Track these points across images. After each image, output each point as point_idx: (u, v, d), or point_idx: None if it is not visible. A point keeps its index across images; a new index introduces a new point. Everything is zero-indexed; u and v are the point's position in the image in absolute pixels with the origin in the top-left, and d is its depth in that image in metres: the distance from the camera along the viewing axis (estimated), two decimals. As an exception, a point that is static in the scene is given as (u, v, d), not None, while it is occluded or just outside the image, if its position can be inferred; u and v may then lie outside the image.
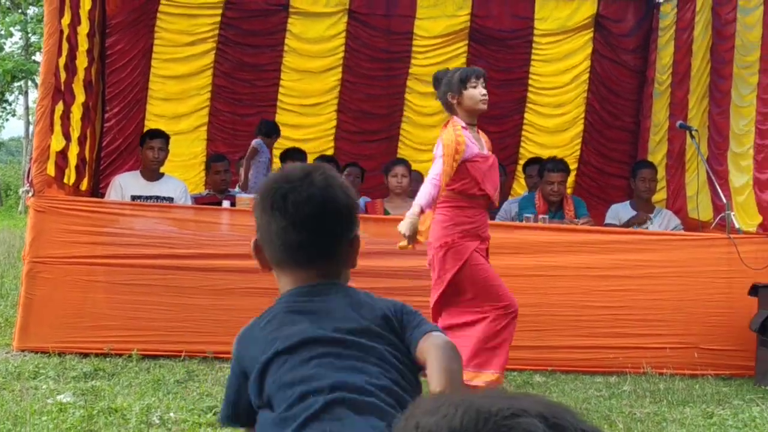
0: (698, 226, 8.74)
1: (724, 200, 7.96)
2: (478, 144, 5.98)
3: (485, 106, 5.97)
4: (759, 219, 8.28)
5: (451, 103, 6.02)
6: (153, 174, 8.64)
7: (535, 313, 7.40)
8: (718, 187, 8.23)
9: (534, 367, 7.34)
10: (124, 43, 10.52)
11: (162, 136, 8.72)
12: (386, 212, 8.67)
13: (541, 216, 8.27)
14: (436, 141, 6.07)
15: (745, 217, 8.20)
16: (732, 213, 7.78)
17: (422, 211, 5.81)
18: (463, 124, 5.96)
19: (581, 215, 8.61)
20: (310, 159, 9.06)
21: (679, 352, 7.45)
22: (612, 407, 6.09)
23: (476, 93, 5.88)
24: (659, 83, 10.79)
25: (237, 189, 9.82)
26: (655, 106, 10.87)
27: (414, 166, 9.76)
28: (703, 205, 9.00)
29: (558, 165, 8.80)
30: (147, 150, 8.62)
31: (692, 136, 8.55)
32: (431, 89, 11.23)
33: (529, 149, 11.35)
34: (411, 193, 9.14)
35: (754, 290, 7.32)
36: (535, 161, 10.10)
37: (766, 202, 8.25)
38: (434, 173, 5.87)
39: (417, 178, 9.87)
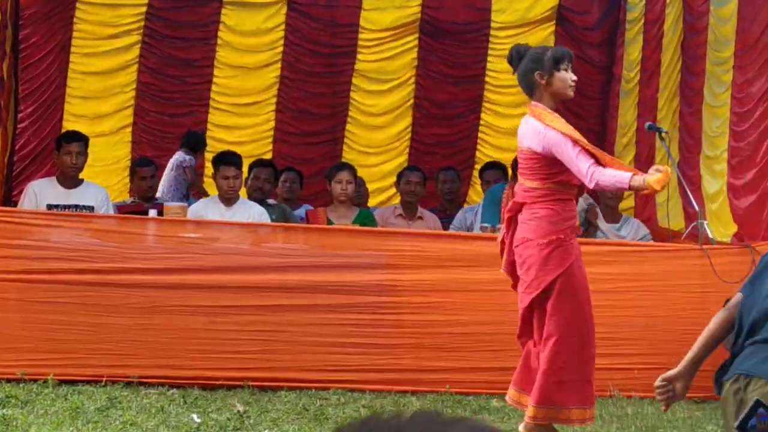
0: (669, 236, 8.82)
1: (697, 208, 8.00)
2: None
3: (573, 94, 5.95)
4: (734, 228, 8.37)
5: (538, 83, 5.92)
6: (71, 180, 8.56)
7: (492, 332, 7.41)
8: (689, 193, 8.28)
9: (491, 390, 7.34)
10: (39, 35, 10.41)
11: (80, 139, 8.64)
12: (329, 222, 8.66)
13: (500, 226, 8.27)
14: (522, 133, 5.97)
15: (719, 225, 8.28)
16: (705, 222, 7.84)
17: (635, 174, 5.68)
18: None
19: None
20: (245, 164, 9.04)
21: (648, 373, 7.45)
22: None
23: (568, 77, 5.84)
24: (626, 81, 10.88)
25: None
26: (622, 106, 10.96)
27: (360, 172, 9.77)
28: (673, 214, 9.07)
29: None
30: (64, 155, 8.52)
31: (662, 138, 8.58)
32: (378, 87, 11.40)
33: (486, 153, 11.38)
34: (356, 200, 9.16)
35: (729, 305, 7.38)
36: (492, 166, 10.12)
37: (741, 210, 8.35)
38: (588, 162, 5.68)
39: (362, 184, 9.89)
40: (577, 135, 5.68)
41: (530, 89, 5.92)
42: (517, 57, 5.94)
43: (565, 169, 5.70)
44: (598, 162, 5.61)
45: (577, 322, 5.73)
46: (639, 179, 5.48)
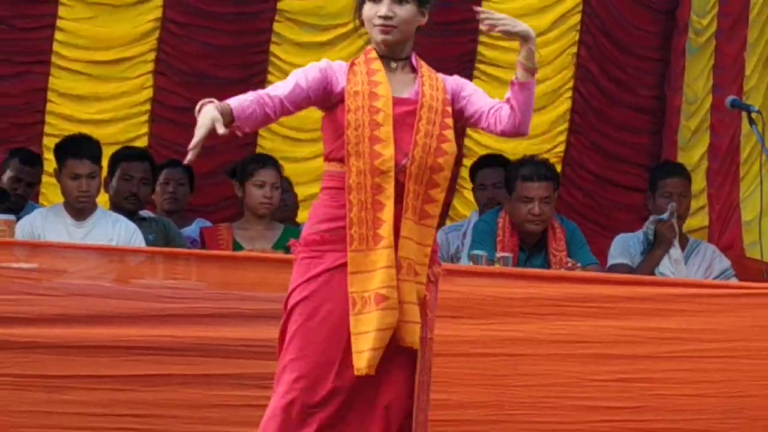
0: (762, 271, 8.87)
1: (804, 230, 8.06)
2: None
3: (385, 37, 5.91)
4: None
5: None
6: None
7: (490, 419, 7.42)
8: (793, 206, 8.34)
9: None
10: None
11: None
12: (237, 246, 8.65)
13: (500, 255, 8.30)
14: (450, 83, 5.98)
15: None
16: (815, 252, 7.90)
17: None
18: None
19: (584, 262, 8.61)
20: (107, 152, 9.00)
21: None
22: None
23: (372, 12, 5.85)
24: (696, 32, 10.94)
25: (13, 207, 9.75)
26: (691, 71, 11.02)
27: (287, 168, 9.73)
28: (768, 238, 9.13)
29: (541, 170, 8.77)
30: None
31: (752, 122, 8.66)
32: (314, 37, 11.44)
33: (479, 140, 11.43)
34: (280, 213, 9.14)
35: None
36: (491, 162, 10.12)
37: None
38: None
39: (289, 189, 9.85)
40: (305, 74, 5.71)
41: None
42: None
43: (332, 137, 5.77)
44: None
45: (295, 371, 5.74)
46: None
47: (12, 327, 7.21)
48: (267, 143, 11.12)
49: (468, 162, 11.01)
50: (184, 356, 7.31)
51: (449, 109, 5.70)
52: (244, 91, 11.29)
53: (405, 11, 5.70)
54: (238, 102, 5.56)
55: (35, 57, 11.10)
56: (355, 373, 5.41)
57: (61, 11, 11.05)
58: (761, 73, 9.95)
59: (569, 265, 8.44)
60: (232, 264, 7.91)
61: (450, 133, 5.65)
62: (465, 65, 11.50)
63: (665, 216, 9.01)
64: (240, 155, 10.02)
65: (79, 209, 8.47)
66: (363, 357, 5.39)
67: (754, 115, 8.56)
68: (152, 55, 11.20)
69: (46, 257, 7.66)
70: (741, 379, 7.58)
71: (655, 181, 9.44)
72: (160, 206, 9.58)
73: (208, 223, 9.42)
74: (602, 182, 11.63)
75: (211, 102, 5.50)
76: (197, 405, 7.28)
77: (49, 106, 11.05)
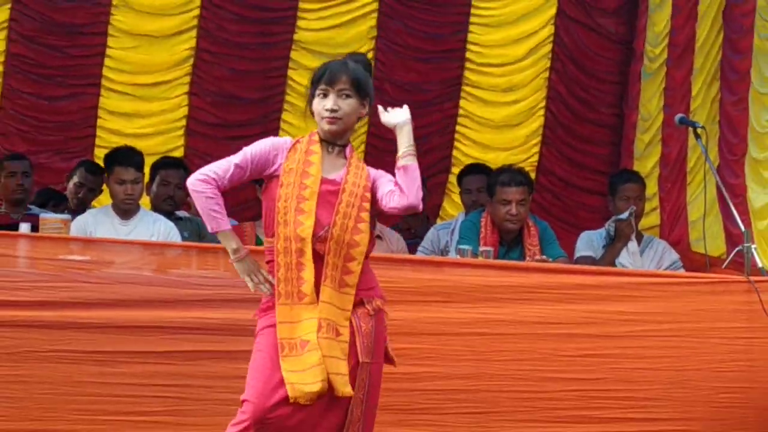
0: (705, 264, 8.85)
1: (742, 227, 8.04)
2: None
3: (331, 127, 5.90)
4: (789, 254, 8.42)
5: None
6: None
7: (473, 389, 7.40)
8: (733, 208, 8.30)
9: (469, 465, 7.37)
10: None
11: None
12: (258, 242, 8.64)
13: (483, 249, 8.29)
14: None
15: (764, 250, 8.32)
16: (753, 246, 7.87)
17: None
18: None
19: (554, 255, 8.61)
20: (149, 161, 9.00)
21: (678, 444, 7.53)
22: None
23: (320, 106, 5.86)
24: (650, 59, 10.93)
25: (73, 208, 9.71)
26: (645, 93, 11.01)
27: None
28: (711, 235, 9.10)
29: (517, 177, 8.76)
30: None
31: (697, 136, 8.64)
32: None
33: (466, 152, 11.42)
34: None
35: (784, 356, 7.42)
36: (475, 170, 10.11)
37: (799, 231, 8.40)
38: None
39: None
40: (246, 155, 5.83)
41: None
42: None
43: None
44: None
45: None
46: (226, 240, 5.92)
47: (68, 310, 7.20)
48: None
49: (456, 170, 11.02)
50: (214, 335, 7.30)
51: (368, 195, 5.77)
52: (265, 108, 11.38)
53: (348, 105, 5.78)
54: (222, 214, 5.80)
55: (88, 80, 11.09)
56: (290, 400, 5.51)
57: (110, 41, 11.06)
58: (705, 94, 9.94)
59: (541, 258, 8.46)
60: (255, 257, 7.90)
61: (366, 216, 5.74)
62: (453, 87, 11.51)
63: (624, 216, 9.02)
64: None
65: (125, 210, 8.47)
66: (292, 387, 5.50)
67: (699, 130, 8.55)
68: (187, 79, 11.20)
69: (97, 251, 7.65)
70: (686, 355, 7.56)
71: (614, 186, 9.44)
72: (193, 207, 9.56)
73: (235, 222, 9.39)
74: (570, 187, 11.62)
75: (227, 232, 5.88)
76: (224, 377, 7.26)
77: (99, 122, 11.05)
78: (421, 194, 5.76)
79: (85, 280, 7.34)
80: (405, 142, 5.85)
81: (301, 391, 5.50)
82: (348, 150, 5.90)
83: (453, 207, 11.11)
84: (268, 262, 5.78)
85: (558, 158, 11.59)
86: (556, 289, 7.60)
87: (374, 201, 5.81)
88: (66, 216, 8.31)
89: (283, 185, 5.66)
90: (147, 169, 8.96)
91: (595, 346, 7.52)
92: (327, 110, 5.75)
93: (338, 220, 5.64)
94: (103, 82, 11.09)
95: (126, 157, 8.60)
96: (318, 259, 5.61)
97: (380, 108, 5.98)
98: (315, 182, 5.68)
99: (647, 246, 9.25)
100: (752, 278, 7.60)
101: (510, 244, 8.67)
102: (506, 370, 7.47)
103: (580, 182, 11.57)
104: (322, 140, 5.83)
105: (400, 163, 5.78)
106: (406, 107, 5.95)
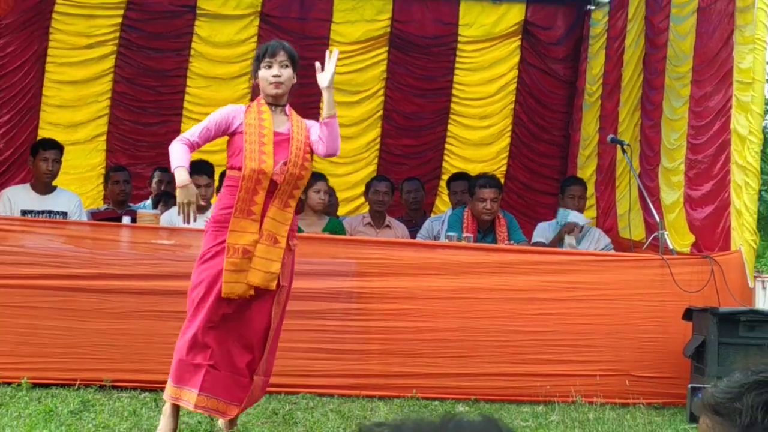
0: (630, 246, 8.83)
1: (657, 218, 8.04)
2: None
3: (276, 91, 5.91)
4: (691, 238, 8.39)
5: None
6: (45, 187, 8.46)
7: (459, 338, 7.40)
8: (650, 204, 8.30)
9: (456, 396, 7.33)
10: (15, 45, 10.33)
11: (56, 147, 8.56)
12: (299, 230, 8.61)
13: (465, 235, 8.27)
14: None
15: (675, 236, 8.30)
16: (665, 232, 7.87)
17: None
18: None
19: (517, 240, 8.59)
20: (217, 172, 8.98)
21: (610, 379, 7.49)
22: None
23: (268, 74, 5.89)
24: (589, 94, 10.91)
25: (147, 202, 9.68)
26: (585, 119, 11.00)
27: (331, 181, 9.75)
28: (634, 224, 9.09)
29: (491, 181, 8.76)
30: (40, 161, 8.43)
31: (624, 151, 8.64)
32: (347, 98, 11.37)
33: (452, 163, 11.39)
34: (326, 209, 9.13)
35: (689, 314, 7.37)
36: (459, 176, 10.10)
37: (697, 221, 8.37)
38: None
39: (333, 194, 9.87)
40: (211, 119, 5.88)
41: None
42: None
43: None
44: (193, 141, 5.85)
45: None
46: (179, 172, 5.74)
47: (157, 280, 7.20)
48: (319, 165, 11.07)
49: (445, 177, 11.01)
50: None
51: (308, 140, 5.86)
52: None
53: (287, 73, 5.87)
54: (185, 158, 5.77)
55: (173, 111, 11.06)
56: (223, 296, 5.62)
57: (189, 82, 11.04)
58: (629, 120, 9.92)
59: (509, 242, 8.44)
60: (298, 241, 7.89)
61: (309, 156, 5.87)
62: (443, 115, 11.49)
63: (577, 222, 8.94)
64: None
65: (200, 207, 8.43)
66: (226, 286, 5.60)
67: (625, 147, 8.57)
68: (246, 110, 11.19)
69: (179, 237, 7.65)
70: (616, 314, 7.55)
71: (563, 188, 9.41)
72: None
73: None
74: (530, 190, 11.58)
75: (182, 167, 5.74)
76: (274, 330, 7.27)
77: (181, 142, 11.05)
78: (338, 144, 5.88)
79: (170, 258, 7.35)
80: (329, 103, 5.88)
81: (231, 289, 5.60)
82: (287, 109, 5.96)
83: (443, 204, 11.09)
84: (227, 186, 5.78)
85: (521, 168, 11.56)
86: (519, 265, 7.60)
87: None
88: (156, 211, 8.33)
89: (246, 134, 5.72)
90: (217, 177, 8.94)
91: (549, 307, 7.53)
92: (273, 77, 5.84)
93: (292, 158, 5.72)
94: (184, 112, 11.07)
95: (200, 167, 8.57)
96: (271, 190, 5.69)
97: (317, 65, 5.98)
98: (269, 134, 5.75)
99: (587, 233, 9.20)
100: (665, 256, 7.59)
101: (485, 231, 8.64)
102: (483, 325, 7.47)
103: (538, 186, 11.54)
104: (268, 104, 5.87)
105: (322, 119, 5.85)
106: (329, 72, 5.94)
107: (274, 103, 5.88)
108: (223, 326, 5.70)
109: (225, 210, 5.73)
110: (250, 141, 5.70)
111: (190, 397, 5.62)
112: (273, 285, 5.69)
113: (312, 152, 5.89)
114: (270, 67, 5.84)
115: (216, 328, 5.68)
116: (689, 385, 6.89)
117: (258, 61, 5.91)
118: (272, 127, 5.76)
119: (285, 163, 5.69)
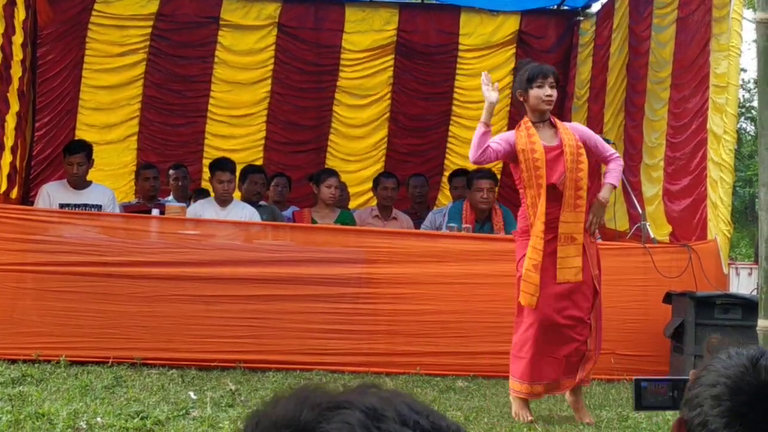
0: (615, 235, 8.82)
1: (640, 210, 8.03)
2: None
3: (547, 107, 6.01)
4: (668, 228, 8.38)
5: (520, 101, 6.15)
6: (80, 183, 8.48)
7: (459, 320, 7.40)
8: (633, 197, 8.29)
9: (457, 372, 7.33)
10: (55, 53, 10.39)
11: (82, 150, 8.51)
12: (313, 221, 8.61)
13: (465, 226, 8.26)
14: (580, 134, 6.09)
15: (653, 226, 8.29)
16: (647, 223, 7.85)
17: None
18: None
19: (512, 230, 8.58)
20: (238, 169, 8.98)
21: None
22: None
23: (541, 93, 5.96)
24: (578, 98, 10.89)
25: (170, 197, 9.70)
26: (574, 120, 10.94)
27: (343, 177, 9.77)
28: (619, 216, 9.06)
29: (486, 173, 8.78)
30: (67, 165, 8.48)
31: (609, 149, 8.60)
32: (358, 102, 11.37)
33: (453, 161, 11.37)
34: (338, 202, 9.12)
35: (668, 298, 7.39)
36: (460, 173, 10.08)
37: (675, 213, 8.36)
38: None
39: (344, 188, 9.87)
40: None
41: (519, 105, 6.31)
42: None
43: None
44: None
45: None
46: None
47: (184, 267, 7.22)
48: (331, 162, 11.09)
49: (447, 173, 11.00)
50: (283, 284, 7.30)
51: (581, 144, 5.97)
52: (318, 132, 11.39)
53: (554, 92, 6.03)
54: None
55: (198, 113, 11.07)
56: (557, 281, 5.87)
57: (213, 87, 11.04)
58: (614, 121, 9.91)
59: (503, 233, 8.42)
60: (310, 232, 7.90)
61: (584, 158, 5.97)
62: (445, 117, 11.47)
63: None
64: (316, 169, 9.99)
65: (223, 200, 8.44)
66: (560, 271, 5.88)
67: (610, 145, 8.50)
68: (265, 112, 11.16)
69: (204, 228, 7.67)
70: (603, 298, 7.51)
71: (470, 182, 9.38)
72: (271, 198, 9.52)
73: (297, 208, 9.37)
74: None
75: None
76: (291, 312, 7.27)
77: (206, 141, 11.03)
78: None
79: (196, 247, 7.37)
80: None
81: (563, 275, 5.84)
82: (552, 120, 6.07)
83: (445, 198, 11.07)
84: (524, 203, 6.02)
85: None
86: (514, 253, 7.55)
87: (588, 148, 6.03)
88: (183, 204, 8.32)
89: (521, 158, 5.90)
90: (238, 173, 8.94)
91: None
92: (547, 95, 5.97)
93: (569, 165, 5.85)
94: (209, 114, 11.07)
95: (224, 164, 8.60)
96: (557, 198, 5.87)
97: (485, 75, 6.22)
98: (541, 152, 5.85)
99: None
100: (647, 245, 7.58)
101: (483, 222, 8.64)
102: (481, 307, 7.47)
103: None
104: (533, 122, 5.97)
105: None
106: (496, 91, 6.11)
107: (540, 120, 5.99)
108: None
109: (525, 222, 6.04)
110: (525, 162, 5.90)
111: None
112: (579, 277, 5.92)
113: (589, 158, 6.04)
114: (542, 87, 5.95)
115: None
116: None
117: (529, 81, 5.99)
118: (542, 145, 5.89)
119: (565, 172, 5.84)
